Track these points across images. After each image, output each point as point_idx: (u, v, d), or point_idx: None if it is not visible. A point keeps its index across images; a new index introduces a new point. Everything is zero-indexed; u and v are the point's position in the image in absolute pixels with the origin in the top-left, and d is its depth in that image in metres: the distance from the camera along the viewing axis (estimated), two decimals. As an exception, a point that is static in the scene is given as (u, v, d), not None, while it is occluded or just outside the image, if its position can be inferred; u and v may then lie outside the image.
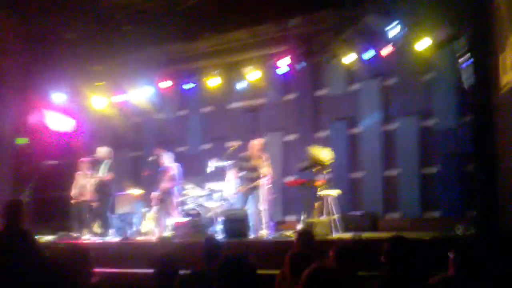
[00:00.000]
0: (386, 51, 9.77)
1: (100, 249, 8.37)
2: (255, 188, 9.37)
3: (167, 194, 9.97)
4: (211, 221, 9.50)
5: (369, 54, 10.03)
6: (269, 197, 9.59)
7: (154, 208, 10.17)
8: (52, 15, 10.79)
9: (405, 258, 3.90)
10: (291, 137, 11.81)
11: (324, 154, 9.12)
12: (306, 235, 5.42)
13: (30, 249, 5.23)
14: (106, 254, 7.91)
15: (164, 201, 9.97)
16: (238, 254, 3.45)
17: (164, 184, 10.03)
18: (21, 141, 12.10)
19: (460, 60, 8.60)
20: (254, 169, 9.45)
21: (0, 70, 11.97)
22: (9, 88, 12.07)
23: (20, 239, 5.22)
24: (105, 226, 10.20)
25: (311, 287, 2.60)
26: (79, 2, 10.60)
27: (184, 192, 10.31)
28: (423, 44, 9.35)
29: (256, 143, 9.67)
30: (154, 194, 10.16)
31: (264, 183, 9.30)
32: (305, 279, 2.64)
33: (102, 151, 10.48)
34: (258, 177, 9.34)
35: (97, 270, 4.69)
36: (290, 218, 10.90)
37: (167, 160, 10.26)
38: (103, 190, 10.24)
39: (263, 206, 9.23)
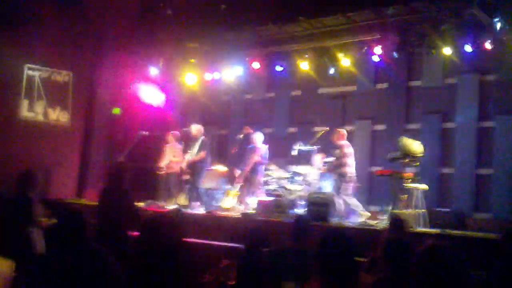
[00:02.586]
0: (488, 45, 9.34)
1: (187, 220, 8.58)
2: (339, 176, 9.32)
3: (253, 172, 10.09)
4: (293, 203, 9.54)
5: (469, 48, 9.63)
6: (353, 186, 9.53)
7: (238, 185, 10.32)
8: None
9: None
10: (380, 127, 11.60)
11: (416, 146, 8.90)
12: (399, 222, 5.33)
13: (129, 209, 5.57)
14: (192, 225, 8.12)
15: (249, 179, 10.10)
16: (337, 230, 3.45)
17: (252, 161, 10.10)
18: (116, 111, 12.63)
19: None
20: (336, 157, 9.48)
21: (103, 45, 12.54)
22: (109, 60, 12.62)
23: (121, 198, 5.57)
24: (199, 199, 10.38)
25: (426, 265, 2.51)
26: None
27: (268, 173, 10.40)
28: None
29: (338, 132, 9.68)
30: (240, 171, 10.29)
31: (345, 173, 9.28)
32: (420, 256, 2.56)
33: (196, 128, 10.66)
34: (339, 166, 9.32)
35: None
36: (374, 208, 10.74)
37: (257, 139, 10.33)
38: (197, 166, 10.39)
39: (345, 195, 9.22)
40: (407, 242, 4.12)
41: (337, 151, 9.48)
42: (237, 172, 10.46)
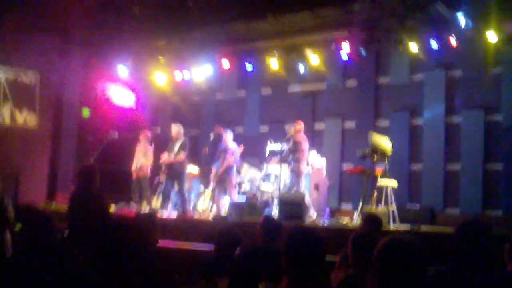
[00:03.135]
0: (453, 41, 9.52)
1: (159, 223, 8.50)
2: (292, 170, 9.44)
3: (227, 173, 10.04)
4: (267, 203, 9.56)
5: (435, 44, 9.79)
6: (325, 184, 9.64)
7: (212, 186, 10.27)
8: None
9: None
10: (350, 124, 11.70)
11: (385, 142, 9.00)
12: (375, 220, 5.31)
13: (99, 211, 5.49)
14: (165, 228, 8.05)
15: (224, 180, 10.04)
16: (307, 228, 3.46)
17: (226, 163, 10.06)
18: (85, 112, 12.47)
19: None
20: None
21: (68, 42, 12.34)
22: (76, 60, 12.43)
23: (91, 201, 5.49)
24: (184, 203, 10.21)
25: (386, 259, 2.53)
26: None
27: (241, 173, 10.37)
28: (493, 36, 9.05)
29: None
30: (214, 172, 10.23)
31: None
32: (380, 250, 2.57)
33: (176, 129, 10.52)
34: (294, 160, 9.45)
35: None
36: (346, 206, 10.85)
37: (229, 139, 10.29)
38: (178, 169, 10.24)
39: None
40: (375, 238, 4.16)
41: (291, 145, 9.53)
42: (213, 173, 10.37)
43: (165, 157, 10.27)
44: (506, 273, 3.90)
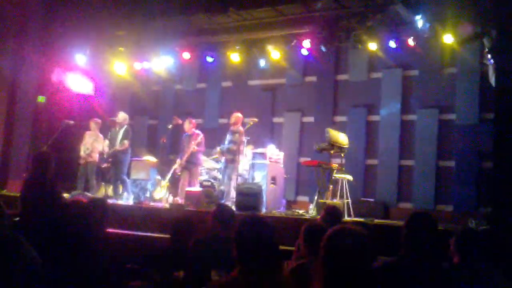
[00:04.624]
0: (411, 41, 9.74)
1: (113, 210, 8.41)
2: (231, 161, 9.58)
3: (192, 162, 9.99)
4: (224, 193, 9.57)
5: (393, 43, 9.99)
6: (282, 176, 9.71)
7: (169, 176, 10.22)
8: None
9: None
10: (308, 119, 11.82)
11: (342, 137, 9.15)
12: (335, 212, 5.33)
13: (53, 198, 5.41)
14: (120, 216, 7.98)
15: (188, 169, 9.99)
16: (257, 216, 3.47)
17: (190, 149, 9.98)
18: (41, 99, 12.19)
19: (489, 56, 8.52)
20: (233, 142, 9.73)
21: (24, 29, 12.04)
22: (33, 46, 12.13)
23: (45, 188, 5.41)
24: (124, 189, 10.28)
25: (331, 247, 2.57)
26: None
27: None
28: (449, 38, 9.30)
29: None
30: (179, 160, 10.17)
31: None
32: (326, 238, 2.61)
33: (123, 116, 10.49)
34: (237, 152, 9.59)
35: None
36: (303, 198, 10.97)
37: (193, 127, 10.26)
38: (119, 156, 10.24)
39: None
40: (326, 228, 4.20)
41: (236, 136, 9.60)
42: (177, 161, 10.31)
43: (106, 144, 10.25)
44: (452, 264, 4.03)
